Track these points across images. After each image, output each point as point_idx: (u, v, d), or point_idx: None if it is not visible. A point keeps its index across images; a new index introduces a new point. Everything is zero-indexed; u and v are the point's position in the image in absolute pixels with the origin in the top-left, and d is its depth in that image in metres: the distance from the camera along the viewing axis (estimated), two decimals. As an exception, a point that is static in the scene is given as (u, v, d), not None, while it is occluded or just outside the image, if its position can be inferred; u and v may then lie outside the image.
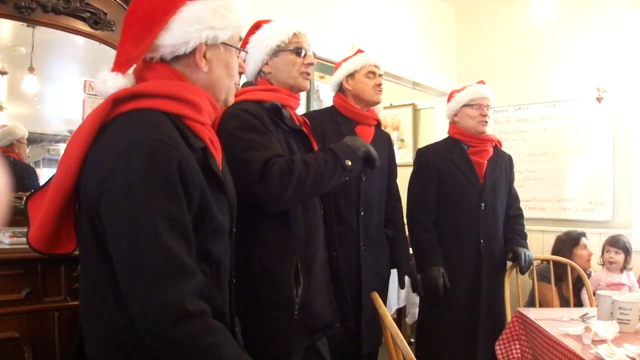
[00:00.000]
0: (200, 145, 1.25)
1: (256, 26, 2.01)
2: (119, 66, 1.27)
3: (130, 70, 1.29)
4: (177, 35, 1.25)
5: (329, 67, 3.38)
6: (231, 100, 1.41)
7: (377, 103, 2.65)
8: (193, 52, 1.28)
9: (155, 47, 1.25)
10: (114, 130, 1.18)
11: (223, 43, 1.33)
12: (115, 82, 1.24)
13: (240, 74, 1.42)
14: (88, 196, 1.16)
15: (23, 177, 2.32)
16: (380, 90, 2.62)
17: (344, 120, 2.59)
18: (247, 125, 1.76)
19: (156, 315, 1.10)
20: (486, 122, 2.94)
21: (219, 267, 1.31)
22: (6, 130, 2.28)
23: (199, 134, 1.26)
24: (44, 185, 1.27)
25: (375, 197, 2.60)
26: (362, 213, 2.49)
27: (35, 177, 2.39)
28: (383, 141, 2.72)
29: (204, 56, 1.29)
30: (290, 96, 1.96)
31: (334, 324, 1.97)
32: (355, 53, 2.73)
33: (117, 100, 1.20)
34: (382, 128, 2.80)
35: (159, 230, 1.10)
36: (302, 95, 2.80)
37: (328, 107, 2.75)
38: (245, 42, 2.00)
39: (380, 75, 2.64)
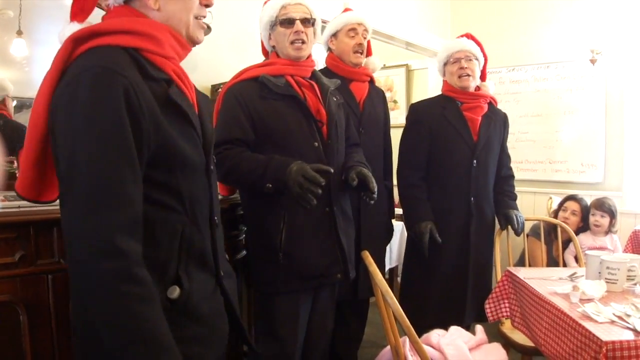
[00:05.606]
0: (162, 76, 1.24)
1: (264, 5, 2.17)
2: (75, 16, 1.27)
3: (89, 19, 1.28)
4: None
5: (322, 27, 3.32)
6: (197, 36, 1.36)
7: (355, 65, 2.63)
8: None
9: None
10: (73, 68, 1.17)
11: None
12: (74, 31, 1.22)
13: (206, 6, 1.36)
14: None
15: (14, 139, 2.15)
16: (359, 51, 2.59)
17: (336, 78, 2.56)
18: (224, 107, 2.07)
19: (77, 243, 1.06)
20: (467, 75, 2.82)
21: (193, 204, 1.30)
22: None
23: (161, 66, 1.25)
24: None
25: (374, 150, 2.63)
26: None
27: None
28: (378, 96, 2.79)
29: None
30: (289, 65, 2.09)
31: (330, 273, 2.10)
32: (343, 11, 2.70)
33: (77, 40, 1.19)
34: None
35: (94, 155, 1.08)
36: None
37: (322, 68, 2.74)
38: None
39: (366, 32, 2.62)
